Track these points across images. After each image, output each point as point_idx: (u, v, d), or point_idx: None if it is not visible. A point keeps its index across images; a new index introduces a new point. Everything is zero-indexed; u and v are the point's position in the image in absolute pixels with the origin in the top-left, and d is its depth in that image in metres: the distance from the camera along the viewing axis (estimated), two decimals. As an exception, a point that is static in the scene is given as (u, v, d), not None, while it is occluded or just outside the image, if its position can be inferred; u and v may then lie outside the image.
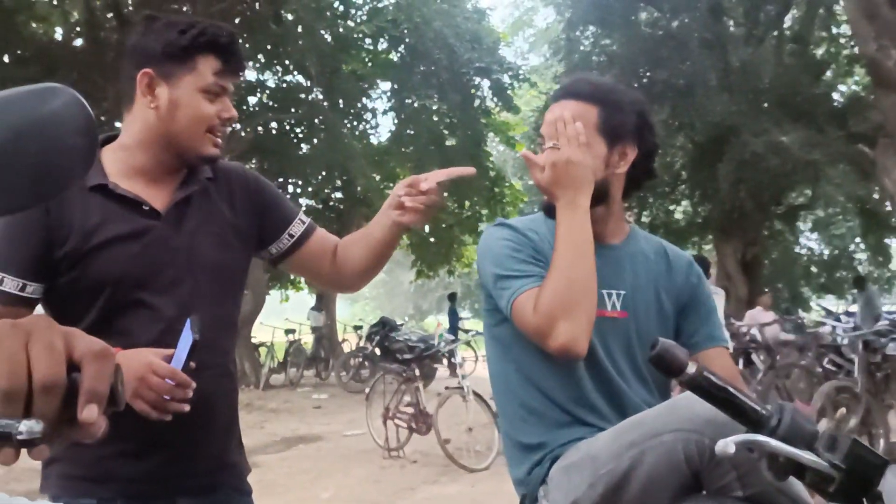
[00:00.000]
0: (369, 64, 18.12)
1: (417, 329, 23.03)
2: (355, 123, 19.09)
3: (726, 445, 1.24)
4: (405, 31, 16.01)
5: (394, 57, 17.97)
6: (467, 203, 19.77)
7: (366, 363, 15.37)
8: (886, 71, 6.30)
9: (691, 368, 1.31)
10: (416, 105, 18.21)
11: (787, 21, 18.59)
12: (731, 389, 1.31)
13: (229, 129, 1.99)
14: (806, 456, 1.25)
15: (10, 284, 1.74)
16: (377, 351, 15.07)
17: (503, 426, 1.98)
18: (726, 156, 15.49)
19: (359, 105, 18.96)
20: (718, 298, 8.55)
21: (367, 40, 17.50)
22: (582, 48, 19.03)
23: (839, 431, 1.34)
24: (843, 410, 6.55)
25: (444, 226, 20.09)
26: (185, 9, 15.84)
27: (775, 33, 17.91)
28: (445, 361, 12.68)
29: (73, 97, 0.76)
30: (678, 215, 21.31)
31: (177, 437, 1.71)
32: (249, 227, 1.95)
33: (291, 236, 2.02)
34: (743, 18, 17.98)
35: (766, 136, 14.74)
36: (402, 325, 18.90)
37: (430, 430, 7.90)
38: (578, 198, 1.86)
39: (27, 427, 0.61)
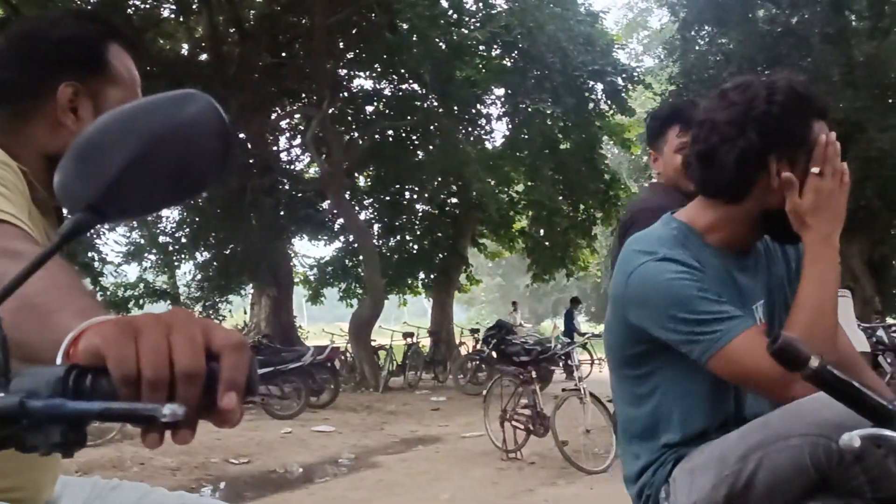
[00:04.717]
0: (483, 70, 18.25)
1: (534, 333, 22.98)
2: (469, 129, 19.26)
3: (851, 439, 1.25)
4: (518, 37, 16.03)
5: (507, 62, 18.05)
6: (582, 206, 19.67)
7: (482, 366, 15.48)
8: None
9: (814, 362, 1.31)
10: (529, 109, 18.24)
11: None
12: (855, 383, 1.31)
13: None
14: (937, 452, 1.26)
15: None
16: (493, 354, 15.15)
17: (621, 423, 1.96)
18: (851, 153, 14.92)
19: (473, 111, 19.13)
20: (845, 300, 8.28)
21: (481, 47, 17.63)
22: (697, 48, 18.68)
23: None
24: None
25: (558, 229, 20.06)
26: (303, 21, 16.38)
27: (903, 26, 17.16)
28: (562, 364, 12.64)
29: (209, 102, 0.82)
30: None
31: None
32: None
33: None
34: (867, 11, 17.28)
35: (894, 131, 14.17)
36: (522, 327, 18.97)
37: (547, 431, 7.90)
38: (834, 235, 1.78)
39: (171, 410, 0.64)
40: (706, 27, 18.52)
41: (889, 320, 16.30)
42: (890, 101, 15.57)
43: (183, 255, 19.42)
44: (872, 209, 16.11)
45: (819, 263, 1.75)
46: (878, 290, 17.83)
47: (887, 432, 1.27)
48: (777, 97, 1.79)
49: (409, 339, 17.52)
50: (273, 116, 18.50)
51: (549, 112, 18.24)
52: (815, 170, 1.75)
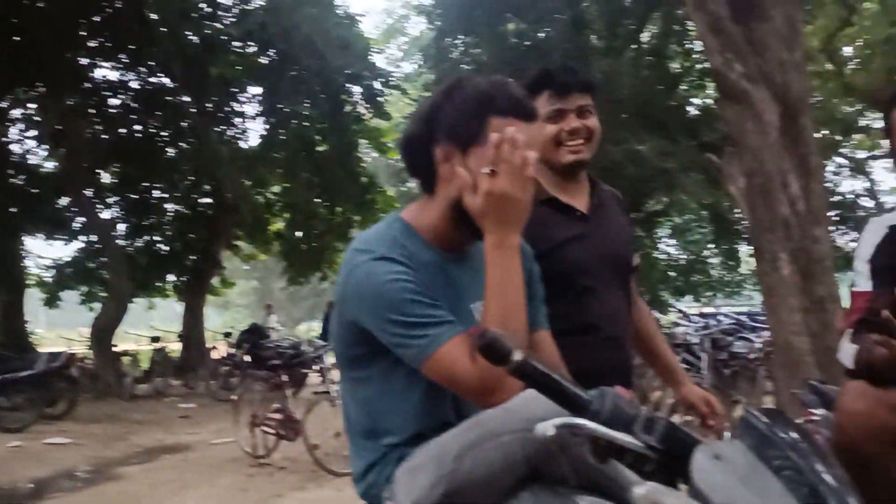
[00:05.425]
0: (238, 68, 17.81)
1: (289, 336, 22.74)
2: (224, 128, 18.73)
3: (545, 428, 1.29)
4: (274, 36, 15.78)
5: (263, 61, 17.72)
6: (339, 209, 19.68)
7: (235, 371, 15.10)
8: (731, 83, 6.60)
9: (517, 356, 1.36)
10: (286, 110, 18.01)
11: (645, 35, 19.32)
12: (555, 375, 1.38)
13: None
14: (624, 438, 1.32)
15: None
16: (246, 358, 14.84)
17: (348, 424, 1.95)
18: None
19: (227, 109, 18.63)
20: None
21: (236, 43, 17.21)
22: (452, 56, 19.25)
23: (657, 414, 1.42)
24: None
25: (315, 232, 19.95)
26: (39, 3, 15.18)
27: (634, 46, 18.56)
28: (317, 368, 12.61)
29: None
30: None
31: None
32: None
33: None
34: (604, 31, 18.57)
35: (625, 144, 15.27)
36: (276, 331, 18.69)
37: (298, 436, 7.85)
38: (510, 237, 1.73)
39: None
40: (460, 37, 19.11)
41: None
42: (623, 116, 16.74)
43: None
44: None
45: (495, 269, 1.74)
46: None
47: (581, 421, 1.32)
48: (455, 91, 1.83)
49: (156, 344, 16.79)
50: (5, 105, 17.04)
51: (306, 113, 18.10)
52: (485, 169, 1.71)
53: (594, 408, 1.36)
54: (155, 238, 19.93)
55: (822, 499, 1.22)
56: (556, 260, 2.35)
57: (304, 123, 18.34)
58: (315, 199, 19.47)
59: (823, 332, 6.29)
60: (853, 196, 29.59)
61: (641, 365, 8.16)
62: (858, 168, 29.88)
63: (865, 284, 2.29)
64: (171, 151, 18.36)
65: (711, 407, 2.50)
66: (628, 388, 2.56)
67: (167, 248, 19.94)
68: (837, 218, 21.86)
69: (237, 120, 19.18)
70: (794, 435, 1.37)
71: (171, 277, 20.46)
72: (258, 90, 18.46)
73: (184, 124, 17.40)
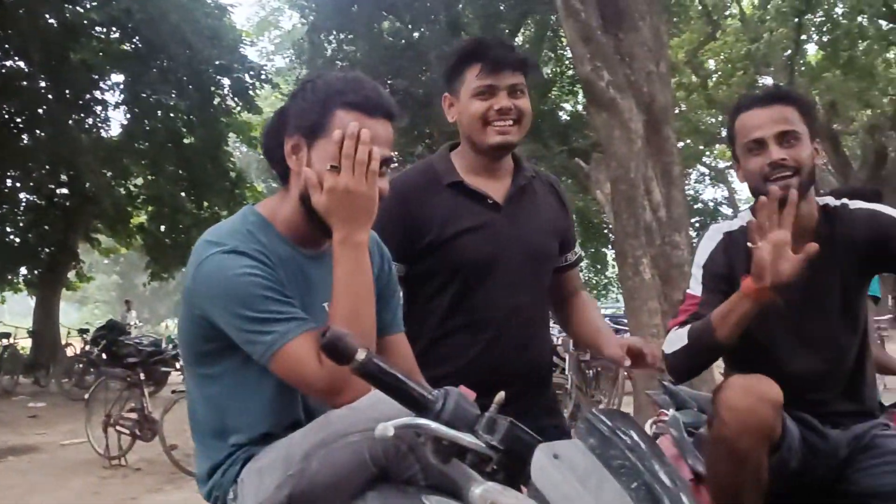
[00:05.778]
0: (101, 54, 17.10)
1: (151, 333, 22.05)
2: (83, 116, 17.95)
3: (385, 429, 1.29)
4: (140, 23, 15.24)
5: (128, 48, 17.10)
6: (206, 204, 19.18)
7: (91, 369, 14.52)
8: (599, 91, 6.78)
9: (361, 355, 1.36)
10: (151, 100, 17.40)
11: (519, 40, 19.66)
12: (398, 375, 1.38)
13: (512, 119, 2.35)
14: (466, 438, 1.33)
15: None
16: (103, 355, 14.30)
17: (193, 423, 1.90)
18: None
19: (88, 97, 17.86)
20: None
21: (98, 29, 16.53)
22: (326, 53, 19.10)
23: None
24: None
25: (181, 227, 19.38)
26: None
27: (507, 51, 18.89)
28: (180, 366, 12.30)
29: None
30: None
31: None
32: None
33: (566, 260, 2.56)
34: (479, 33, 18.80)
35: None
36: (134, 326, 18.09)
37: (155, 436, 7.62)
38: (355, 234, 1.71)
39: None
40: (334, 33, 18.98)
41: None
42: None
43: None
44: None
45: (341, 266, 1.73)
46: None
47: (421, 421, 1.33)
48: (308, 84, 1.83)
49: (4, 341, 15.96)
50: None
51: (172, 104, 17.55)
52: (328, 166, 1.71)
53: (436, 408, 1.36)
54: (7, 229, 18.92)
55: (658, 498, 1.26)
56: (451, 250, 2.30)
57: (171, 114, 17.77)
58: (181, 193, 18.91)
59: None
60: (714, 203, 31.03)
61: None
62: (719, 177, 31.44)
63: (697, 288, 2.36)
64: (25, 139, 17.46)
65: (633, 350, 2.33)
66: (540, 393, 2.48)
67: (19, 240, 18.95)
68: (699, 224, 22.85)
69: (98, 108, 18.42)
70: (635, 436, 1.41)
71: (23, 271, 19.48)
72: (122, 78, 17.77)
73: (40, 111, 16.59)
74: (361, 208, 1.71)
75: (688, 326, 2.25)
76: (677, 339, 2.25)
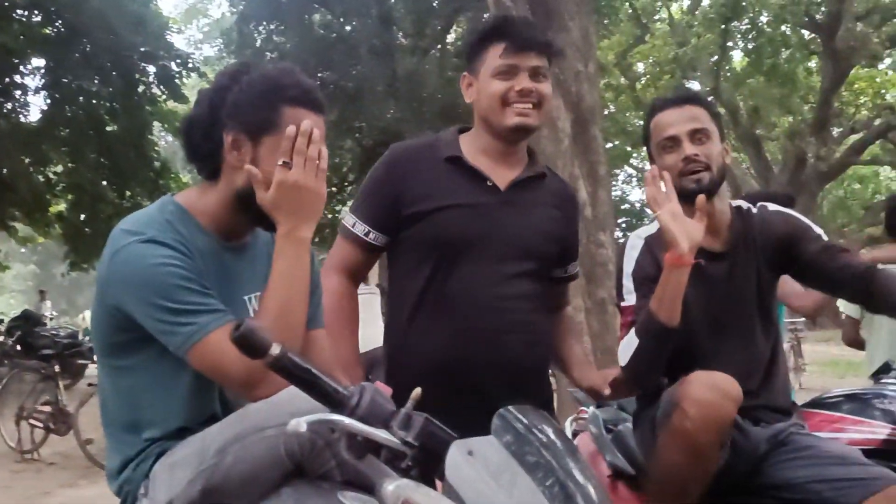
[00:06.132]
0: (21, 38, 16.55)
1: (69, 325, 21.50)
2: (2, 100, 17.36)
3: (298, 424, 1.26)
4: (62, 6, 14.80)
5: (50, 32, 16.59)
6: (129, 193, 18.74)
7: (4, 360, 14.08)
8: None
9: (275, 350, 1.33)
10: (73, 86, 16.92)
11: (451, 36, 19.70)
12: (313, 370, 1.35)
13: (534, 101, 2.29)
14: (380, 434, 1.32)
15: (360, 228, 2.33)
16: (18, 347, 13.88)
17: (105, 416, 1.84)
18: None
19: (7, 80, 17.27)
20: (372, 296, 8.86)
21: (20, 12, 16.00)
22: (256, 44, 18.84)
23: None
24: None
25: (102, 216, 18.92)
26: None
27: (439, 47, 18.90)
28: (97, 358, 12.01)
29: None
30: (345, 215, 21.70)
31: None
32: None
33: (566, 271, 2.57)
34: (411, 29, 18.77)
35: (428, 143, 15.51)
36: (50, 318, 17.61)
37: (70, 429, 7.45)
38: (300, 228, 1.72)
39: None
40: (264, 23, 18.74)
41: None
42: (426, 114, 16.99)
43: None
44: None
45: (283, 259, 1.73)
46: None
47: (335, 417, 1.31)
48: (242, 76, 1.80)
49: None
50: None
51: (95, 90, 17.08)
52: (279, 161, 1.72)
53: (351, 403, 1.35)
54: (-85, 215, 18.25)
55: (571, 495, 1.27)
56: (432, 223, 2.25)
57: (93, 101, 17.29)
58: (102, 182, 18.44)
59: (604, 332, 6.63)
60: (641, 204, 31.59)
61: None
62: (645, 178, 31.92)
63: (631, 298, 2.38)
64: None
65: (594, 382, 2.40)
66: (523, 395, 2.27)
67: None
68: (625, 225, 23.24)
69: (18, 93, 17.83)
70: (550, 434, 1.42)
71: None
72: (42, 62, 17.23)
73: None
74: (309, 204, 1.72)
75: (633, 329, 2.28)
76: (628, 345, 2.27)
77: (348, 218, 2.39)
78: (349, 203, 20.97)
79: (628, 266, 2.42)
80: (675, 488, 2.10)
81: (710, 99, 2.67)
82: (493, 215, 2.27)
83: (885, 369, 3.05)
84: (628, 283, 2.40)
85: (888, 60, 24.96)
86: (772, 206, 2.49)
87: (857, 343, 4.59)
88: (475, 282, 2.24)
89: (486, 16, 16.82)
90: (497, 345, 2.24)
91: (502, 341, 2.25)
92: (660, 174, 2.26)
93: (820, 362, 14.53)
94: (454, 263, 2.24)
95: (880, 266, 3.57)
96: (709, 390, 2.00)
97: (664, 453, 2.10)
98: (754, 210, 2.47)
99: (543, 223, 2.37)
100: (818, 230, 2.42)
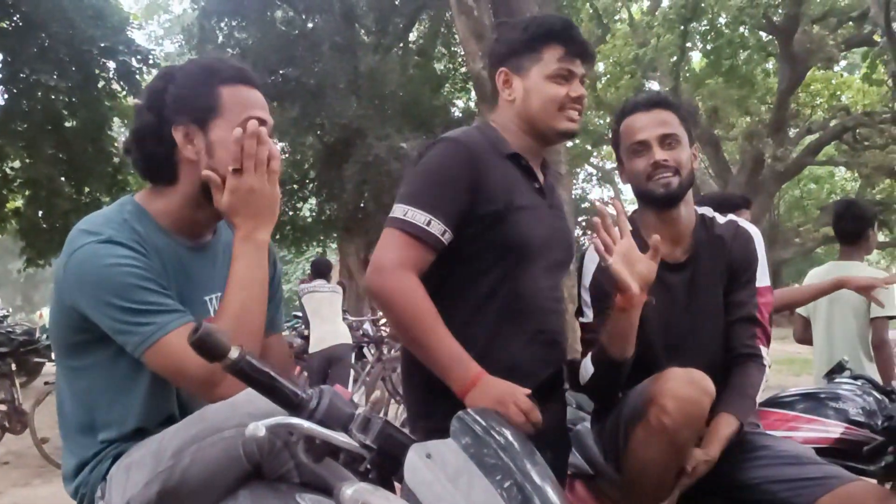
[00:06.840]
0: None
1: (24, 322, 21.16)
2: (-45, 93, 17.07)
3: (256, 428, 1.26)
4: (19, -2, 14.56)
5: (5, 24, 16.31)
6: (87, 189, 18.49)
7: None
8: (490, 88, 6.88)
9: (234, 353, 1.33)
10: (30, 80, 16.66)
11: (413, 35, 19.68)
12: (271, 374, 1.36)
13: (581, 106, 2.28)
14: (338, 437, 1.33)
15: (436, 228, 2.09)
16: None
17: (61, 418, 1.84)
18: (352, 157, 16.09)
19: (-40, 73, 16.97)
20: (335, 294, 8.86)
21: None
22: (217, 39, 18.68)
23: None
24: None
25: (59, 212, 18.64)
26: None
27: (401, 45, 18.88)
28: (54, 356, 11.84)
29: None
30: (305, 213, 21.63)
31: None
32: None
33: None
34: (373, 27, 18.73)
35: (389, 140, 15.52)
36: (6, 316, 17.31)
37: (25, 428, 7.35)
38: (258, 231, 1.74)
39: None
40: (226, 19, 18.59)
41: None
42: (388, 112, 16.97)
43: None
44: (368, 211, 17.46)
45: (241, 261, 1.74)
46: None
47: (293, 420, 1.31)
48: (174, 73, 1.82)
49: None
50: None
51: (53, 85, 16.83)
52: (230, 168, 1.72)
53: (310, 406, 1.36)
54: None
55: (528, 496, 1.28)
56: (509, 225, 2.18)
57: (51, 95, 17.03)
58: (60, 177, 18.17)
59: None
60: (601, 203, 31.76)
61: None
62: (606, 177, 32.28)
63: (589, 314, 2.40)
64: None
65: None
66: (559, 393, 2.43)
67: None
68: (585, 224, 23.33)
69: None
70: (508, 435, 1.44)
71: None
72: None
73: None
74: (265, 207, 1.74)
75: (590, 354, 2.28)
76: (585, 369, 2.28)
77: (418, 215, 2.10)
78: (311, 200, 20.85)
79: (586, 279, 2.43)
80: (651, 485, 2.10)
81: None
82: (547, 219, 2.30)
83: (838, 369, 3.12)
84: (585, 296, 2.42)
85: (843, 63, 25.43)
86: (742, 222, 2.49)
87: (807, 340, 4.68)
88: (539, 286, 2.26)
89: (448, 14, 16.85)
90: (555, 347, 2.34)
91: (558, 343, 2.35)
92: (611, 201, 2.29)
93: (777, 360, 14.69)
94: (523, 267, 2.22)
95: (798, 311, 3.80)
96: (689, 386, 2.01)
97: (639, 450, 2.09)
98: (720, 220, 2.48)
99: (569, 226, 2.47)
100: (762, 272, 2.43)
